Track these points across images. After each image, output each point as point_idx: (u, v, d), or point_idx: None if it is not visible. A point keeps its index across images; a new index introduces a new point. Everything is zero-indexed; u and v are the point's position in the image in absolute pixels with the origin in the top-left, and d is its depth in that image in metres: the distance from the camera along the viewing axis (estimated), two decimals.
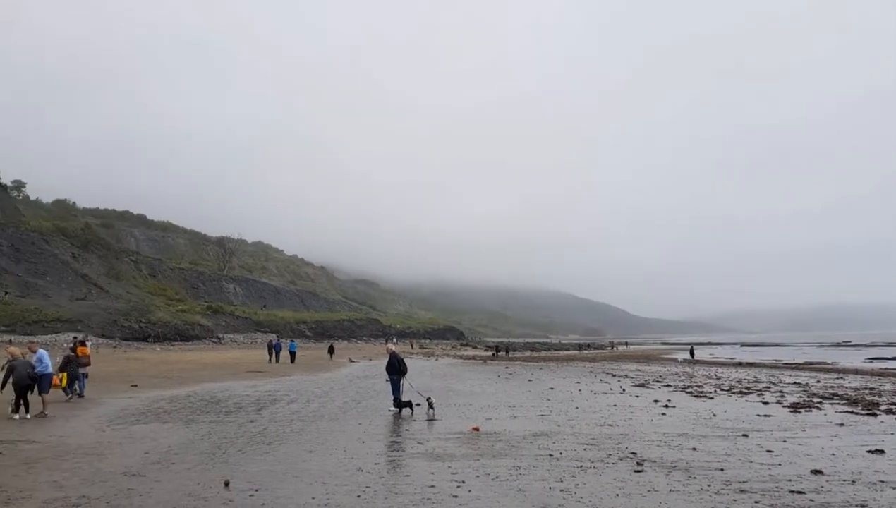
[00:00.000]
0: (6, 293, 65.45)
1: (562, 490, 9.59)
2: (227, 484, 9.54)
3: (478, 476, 10.43)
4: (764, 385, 31.94)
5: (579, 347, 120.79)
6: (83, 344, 25.01)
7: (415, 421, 17.30)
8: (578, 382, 33.13)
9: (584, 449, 13.06)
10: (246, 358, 51.93)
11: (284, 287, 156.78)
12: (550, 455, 12.28)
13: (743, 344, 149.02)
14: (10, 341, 40.26)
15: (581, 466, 11.36)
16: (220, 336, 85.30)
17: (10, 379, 16.63)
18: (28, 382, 16.62)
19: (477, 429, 15.46)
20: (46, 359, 18.15)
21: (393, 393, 19.32)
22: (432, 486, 9.71)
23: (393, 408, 18.88)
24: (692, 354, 69.31)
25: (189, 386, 27.06)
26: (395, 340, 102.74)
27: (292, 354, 48.24)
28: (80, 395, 21.66)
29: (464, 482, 10.01)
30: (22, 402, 16.65)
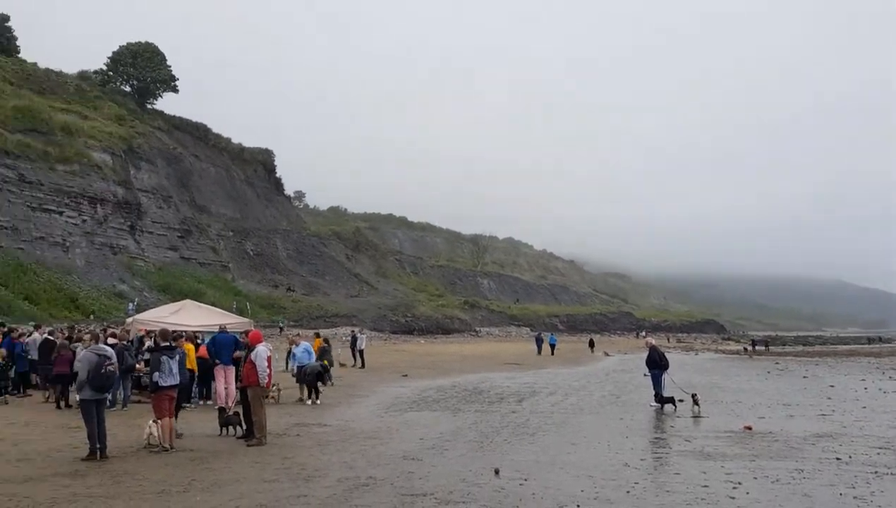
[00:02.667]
0: (293, 291, 73.71)
1: (855, 498, 8.68)
2: (497, 472, 9.88)
3: (755, 478, 9.78)
4: None
5: (869, 340, 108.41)
6: (318, 336, 27.81)
7: (679, 417, 16.67)
8: (864, 380, 29.84)
9: (878, 453, 11.72)
10: (503, 350, 53.50)
11: (535, 281, 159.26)
12: (838, 459, 11.18)
13: None
14: (297, 333, 45.14)
15: (876, 472, 10.20)
16: (478, 329, 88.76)
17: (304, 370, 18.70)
18: (320, 370, 18.57)
19: (749, 428, 14.51)
20: (312, 350, 20.11)
21: (654, 388, 18.79)
22: (705, 486, 9.28)
23: (654, 404, 18.36)
24: None
25: (453, 376, 28.49)
26: (644, 334, 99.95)
27: (552, 347, 49.91)
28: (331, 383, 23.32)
29: (740, 483, 9.44)
30: (313, 390, 18.62)
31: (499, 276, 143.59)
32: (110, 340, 16.40)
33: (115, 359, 11.33)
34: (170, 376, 11.92)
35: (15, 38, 76.45)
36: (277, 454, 11.41)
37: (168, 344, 12.44)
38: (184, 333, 17.89)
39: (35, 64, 73.94)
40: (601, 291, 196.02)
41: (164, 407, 11.80)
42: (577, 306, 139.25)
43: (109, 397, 14.00)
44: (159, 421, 11.65)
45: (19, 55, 74.87)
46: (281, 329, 56.22)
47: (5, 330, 20.92)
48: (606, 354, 52.07)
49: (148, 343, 17.19)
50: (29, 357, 19.21)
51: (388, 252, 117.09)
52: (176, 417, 12.78)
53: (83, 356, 11.26)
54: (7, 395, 18.07)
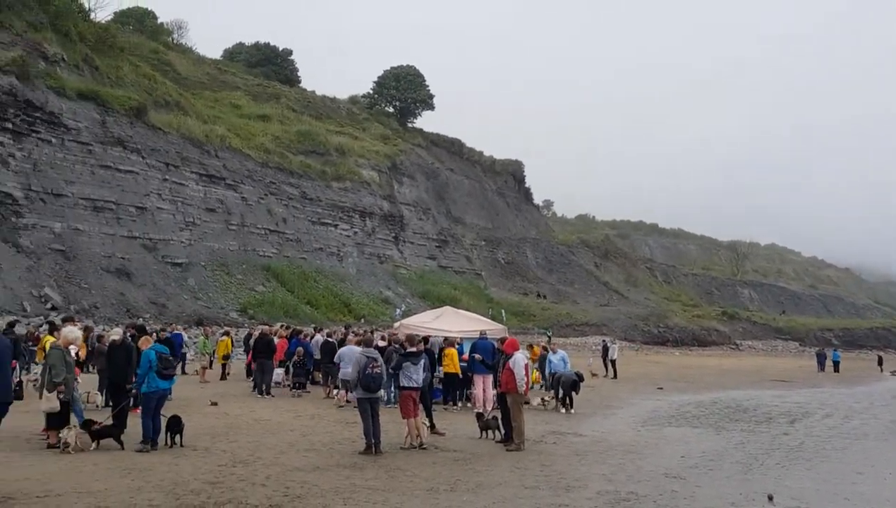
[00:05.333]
0: (544, 297, 74.70)
1: None
2: (770, 499, 9.19)
3: None
4: None
5: None
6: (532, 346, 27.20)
7: None
8: None
9: None
10: (768, 365, 49.69)
11: (803, 291, 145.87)
12: None
13: None
14: (548, 341, 45.58)
15: None
16: (738, 342, 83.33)
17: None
18: (575, 379, 18.59)
19: None
20: (567, 359, 19.99)
21: None
22: None
23: None
24: None
25: (712, 391, 26.97)
26: None
27: (836, 364, 45.73)
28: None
29: None
30: (567, 397, 18.67)
31: (761, 285, 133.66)
32: (380, 342, 17.79)
33: (380, 361, 12.28)
34: (412, 379, 12.72)
35: (297, 70, 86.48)
36: (536, 460, 11.61)
37: (413, 349, 13.24)
38: (445, 338, 18.98)
39: (313, 92, 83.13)
40: (883, 303, 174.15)
41: (409, 407, 12.54)
42: (854, 319, 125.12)
43: (384, 395, 15.17)
44: (405, 419, 12.47)
45: (300, 85, 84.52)
46: (549, 338, 57.00)
47: (289, 332, 23.65)
48: (893, 374, 46.19)
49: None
50: (313, 356, 21.48)
51: (639, 260, 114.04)
52: (429, 416, 13.78)
53: (355, 358, 12.38)
54: (299, 390, 20.32)
